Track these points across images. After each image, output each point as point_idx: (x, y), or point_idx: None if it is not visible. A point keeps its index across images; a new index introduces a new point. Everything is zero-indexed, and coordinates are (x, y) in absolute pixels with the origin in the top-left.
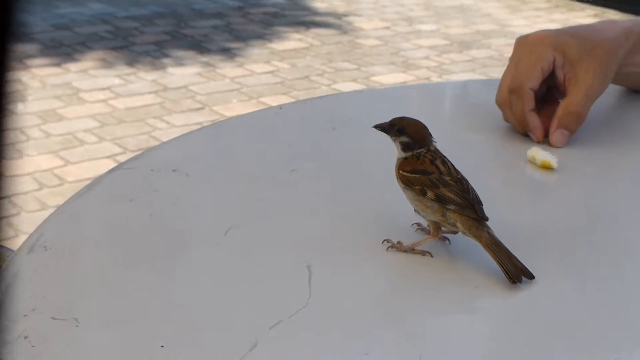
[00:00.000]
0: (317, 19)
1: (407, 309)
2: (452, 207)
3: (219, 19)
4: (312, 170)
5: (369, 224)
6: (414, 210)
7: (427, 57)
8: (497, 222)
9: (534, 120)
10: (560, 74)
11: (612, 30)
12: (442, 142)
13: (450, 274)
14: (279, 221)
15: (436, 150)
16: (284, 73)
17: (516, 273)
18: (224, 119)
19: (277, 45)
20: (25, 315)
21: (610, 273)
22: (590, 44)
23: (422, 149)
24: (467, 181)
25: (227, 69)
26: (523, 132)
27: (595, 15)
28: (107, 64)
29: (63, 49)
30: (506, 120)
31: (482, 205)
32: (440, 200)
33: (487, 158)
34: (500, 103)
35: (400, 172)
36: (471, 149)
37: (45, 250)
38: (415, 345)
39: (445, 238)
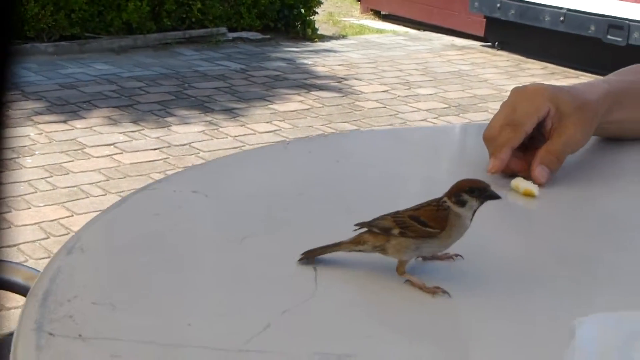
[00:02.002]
0: (318, 82)
1: (398, 299)
2: None
3: (222, 80)
4: (318, 193)
5: None
6: None
7: (425, 119)
8: (484, 242)
9: (506, 153)
10: (549, 123)
11: (595, 92)
12: (433, 175)
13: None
14: (289, 232)
15: (432, 201)
16: (285, 132)
17: (306, 254)
18: (235, 153)
19: (279, 107)
20: (69, 300)
21: (589, 294)
22: (579, 102)
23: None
24: (392, 217)
25: (230, 128)
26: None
27: None
28: (112, 122)
29: (69, 107)
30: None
31: (367, 222)
32: None
33: None
34: (487, 137)
35: None
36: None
37: (82, 252)
38: (404, 329)
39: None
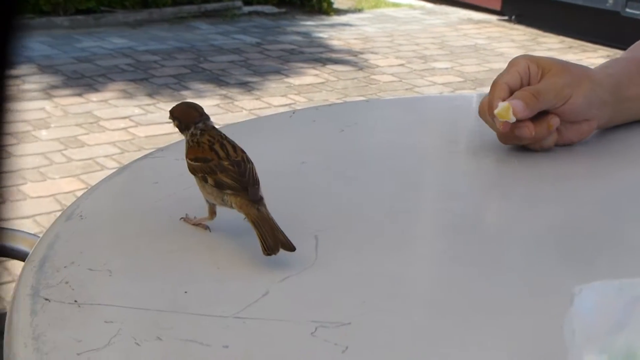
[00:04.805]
0: (334, 55)
1: (397, 268)
2: (228, 191)
3: (237, 54)
4: (320, 162)
5: (366, 204)
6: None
7: (441, 93)
8: (488, 208)
9: (496, 101)
10: (534, 81)
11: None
12: (437, 143)
13: None
14: (291, 200)
15: (214, 133)
16: (300, 106)
17: (273, 246)
18: (239, 122)
19: (294, 80)
20: (65, 267)
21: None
22: (562, 61)
23: (191, 129)
24: (246, 162)
25: (245, 102)
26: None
27: (607, 57)
28: (127, 95)
29: (85, 80)
30: (497, 133)
31: (257, 185)
32: (219, 185)
33: (478, 155)
34: (480, 109)
35: (187, 160)
36: (461, 152)
37: (82, 218)
38: (403, 297)
39: (206, 227)
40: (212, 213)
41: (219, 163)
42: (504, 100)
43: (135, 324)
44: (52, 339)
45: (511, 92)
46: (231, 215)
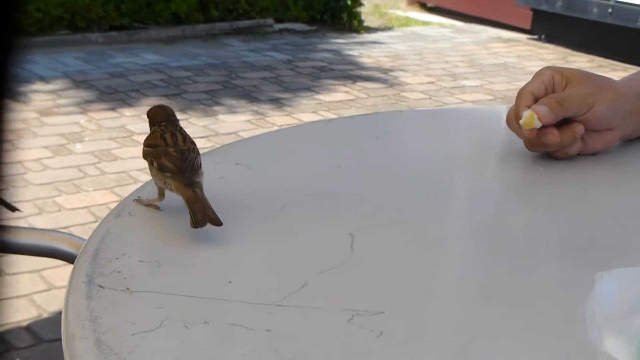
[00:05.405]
0: (364, 73)
1: (431, 265)
2: (168, 174)
3: (269, 71)
4: (356, 166)
5: (400, 207)
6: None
7: None
8: (508, 206)
9: (522, 109)
10: (559, 91)
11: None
12: (470, 153)
13: None
14: (327, 201)
15: (170, 127)
16: None
17: (201, 220)
18: (277, 130)
19: (324, 97)
20: (117, 258)
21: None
22: (586, 72)
23: (155, 126)
24: (191, 152)
25: (276, 118)
26: (526, 141)
27: None
28: None
29: (118, 95)
30: (524, 140)
31: (194, 172)
32: (161, 168)
33: (507, 162)
34: (508, 119)
35: (143, 146)
36: (486, 161)
37: (130, 215)
38: (435, 291)
39: (156, 207)
40: (161, 195)
41: (165, 149)
42: (528, 107)
43: (184, 310)
44: (107, 321)
45: (536, 101)
46: (270, 217)
